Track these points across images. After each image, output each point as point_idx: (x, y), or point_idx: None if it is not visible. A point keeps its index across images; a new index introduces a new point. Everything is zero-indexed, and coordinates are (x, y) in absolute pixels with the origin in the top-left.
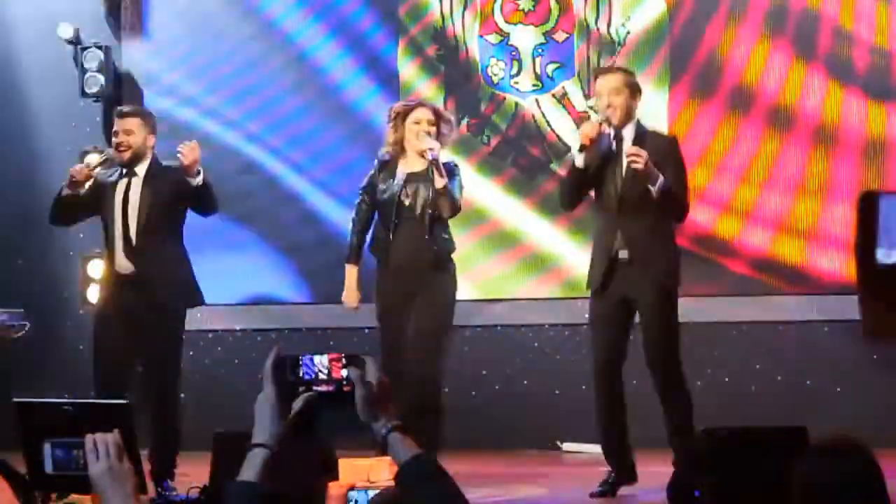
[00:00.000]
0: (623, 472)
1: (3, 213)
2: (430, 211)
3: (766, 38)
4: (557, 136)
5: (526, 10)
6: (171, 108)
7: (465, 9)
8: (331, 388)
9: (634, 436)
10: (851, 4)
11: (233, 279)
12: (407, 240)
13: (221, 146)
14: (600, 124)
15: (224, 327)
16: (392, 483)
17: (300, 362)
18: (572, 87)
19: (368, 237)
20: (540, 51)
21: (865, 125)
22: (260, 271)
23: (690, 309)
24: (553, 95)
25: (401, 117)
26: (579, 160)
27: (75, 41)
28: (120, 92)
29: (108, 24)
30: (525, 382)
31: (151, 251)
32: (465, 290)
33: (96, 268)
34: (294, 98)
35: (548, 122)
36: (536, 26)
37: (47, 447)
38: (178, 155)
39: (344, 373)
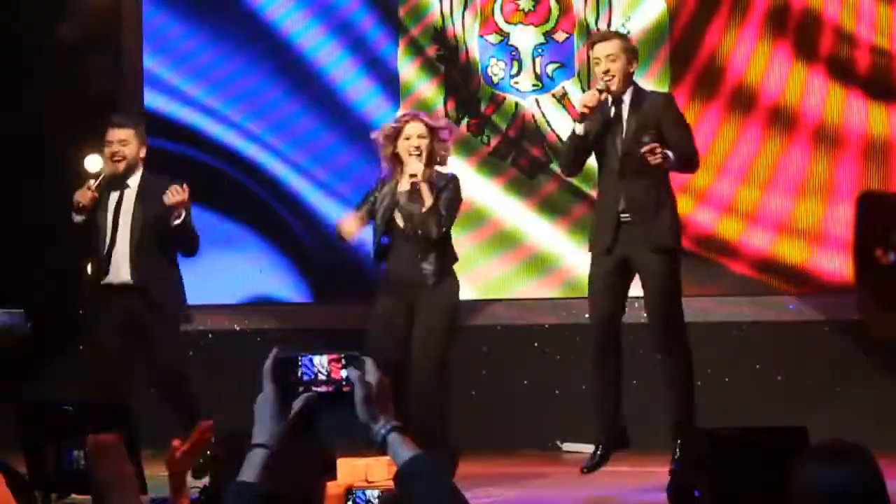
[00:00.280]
0: (613, 436)
1: (4, 213)
2: (420, 231)
3: (767, 39)
4: (557, 136)
5: (526, 10)
6: (171, 109)
7: (465, 9)
8: (330, 389)
9: (635, 436)
10: (852, 5)
11: (233, 279)
12: (402, 256)
13: (222, 146)
14: (600, 92)
15: (224, 327)
16: (390, 483)
17: (299, 363)
18: (572, 87)
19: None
20: (540, 51)
21: (866, 126)
22: (260, 271)
23: (691, 309)
24: (553, 95)
25: (391, 138)
26: (579, 128)
27: (75, 41)
28: (120, 92)
29: (109, 23)
30: (525, 382)
31: (147, 262)
32: (466, 290)
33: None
34: (294, 98)
35: (548, 122)
36: (536, 26)
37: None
38: (164, 196)
39: (343, 373)
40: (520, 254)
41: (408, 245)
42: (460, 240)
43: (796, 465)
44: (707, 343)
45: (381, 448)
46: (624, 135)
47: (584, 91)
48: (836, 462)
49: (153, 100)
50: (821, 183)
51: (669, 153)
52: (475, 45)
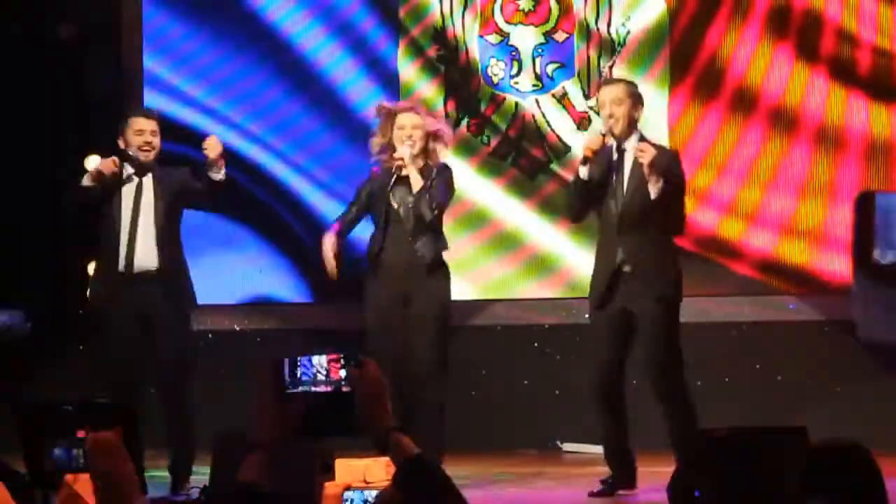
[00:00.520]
0: (623, 476)
1: (4, 213)
2: (413, 215)
3: (768, 40)
4: (558, 136)
5: (526, 10)
6: (171, 109)
7: (465, 9)
8: (329, 389)
9: (634, 436)
10: (854, 5)
11: (233, 279)
12: (396, 243)
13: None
14: (603, 136)
15: (224, 327)
16: (388, 483)
17: (299, 363)
18: (572, 88)
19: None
20: (540, 51)
21: (868, 127)
22: (260, 271)
23: (691, 309)
24: (553, 95)
25: (388, 119)
26: (583, 172)
27: (76, 41)
28: (121, 92)
29: (109, 23)
30: (525, 382)
31: (171, 250)
32: (466, 290)
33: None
34: (295, 99)
35: (548, 122)
36: (536, 26)
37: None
38: (204, 150)
39: (342, 373)
40: (520, 254)
41: (401, 228)
42: (461, 240)
43: (796, 465)
44: (707, 343)
45: (379, 448)
46: (625, 185)
47: (583, 91)
48: (836, 462)
49: (153, 100)
50: (822, 184)
51: (661, 177)
52: (475, 45)
